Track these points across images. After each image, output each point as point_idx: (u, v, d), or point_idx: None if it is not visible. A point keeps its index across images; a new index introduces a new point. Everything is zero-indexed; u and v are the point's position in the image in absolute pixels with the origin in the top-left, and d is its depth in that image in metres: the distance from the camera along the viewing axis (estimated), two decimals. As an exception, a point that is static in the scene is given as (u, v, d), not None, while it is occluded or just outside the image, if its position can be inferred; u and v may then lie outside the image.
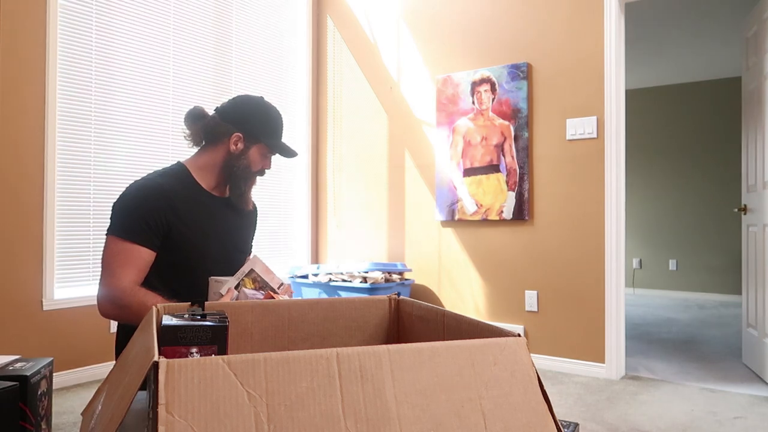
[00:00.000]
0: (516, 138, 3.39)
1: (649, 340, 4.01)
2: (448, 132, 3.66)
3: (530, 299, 3.34)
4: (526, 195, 3.34)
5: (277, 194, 4.11)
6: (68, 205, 2.94)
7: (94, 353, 3.02)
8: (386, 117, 4.00)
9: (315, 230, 4.33)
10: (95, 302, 2.98)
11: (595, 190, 3.15)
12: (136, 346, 0.79)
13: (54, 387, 2.86)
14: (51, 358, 1.10)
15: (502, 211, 3.42)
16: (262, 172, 1.62)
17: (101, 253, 1.42)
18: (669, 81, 6.44)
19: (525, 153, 3.36)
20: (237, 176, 1.55)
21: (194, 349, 0.88)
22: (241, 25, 3.84)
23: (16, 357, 1.09)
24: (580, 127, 3.19)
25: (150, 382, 0.61)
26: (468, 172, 3.57)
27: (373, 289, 3.45)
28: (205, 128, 1.55)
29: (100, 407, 0.80)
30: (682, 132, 6.47)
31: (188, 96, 3.50)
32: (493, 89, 3.48)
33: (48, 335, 2.83)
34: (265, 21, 4.01)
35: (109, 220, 1.44)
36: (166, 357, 0.84)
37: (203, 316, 0.93)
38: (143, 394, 0.96)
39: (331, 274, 3.66)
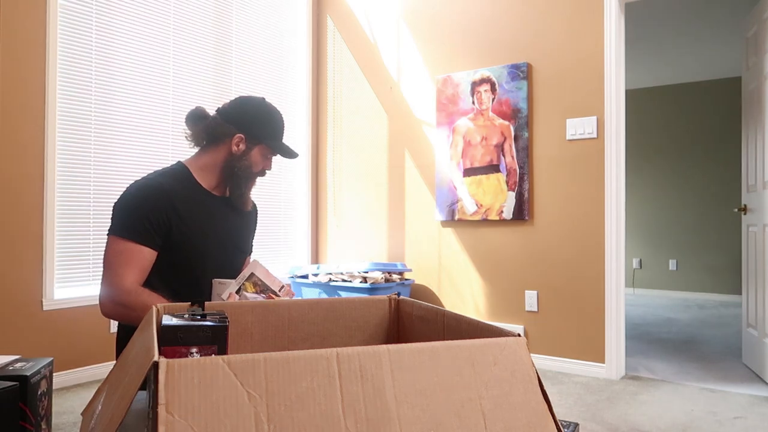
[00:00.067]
0: (516, 138, 3.39)
1: (649, 340, 4.01)
2: (448, 132, 3.66)
3: (530, 299, 3.34)
4: (526, 195, 3.34)
5: (277, 194, 4.11)
6: (68, 205, 2.94)
7: (94, 353, 3.02)
8: (386, 117, 4.00)
9: (315, 230, 4.33)
10: (95, 302, 2.98)
11: (595, 190, 3.15)
12: (136, 346, 0.79)
13: (54, 387, 2.86)
14: (51, 358, 1.10)
15: (502, 211, 3.42)
16: (262, 173, 1.62)
17: (101, 253, 1.43)
18: (669, 81, 6.44)
19: (525, 153, 3.36)
20: (238, 177, 1.56)
21: (194, 349, 0.88)
22: (241, 25, 3.84)
23: (16, 357, 1.09)
24: (580, 127, 3.19)
25: (150, 382, 0.61)
26: (468, 172, 3.57)
27: (373, 289, 3.45)
28: (207, 129, 1.55)
29: (100, 407, 0.80)
30: (682, 132, 6.47)
31: (188, 96, 3.50)
32: (493, 89, 3.48)
33: (48, 335, 2.83)
34: (265, 21, 4.01)
35: (109, 221, 1.44)
36: (166, 357, 0.84)
37: (203, 316, 0.93)
38: (143, 394, 0.96)
39: (331, 274, 3.66)
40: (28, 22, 2.76)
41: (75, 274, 2.96)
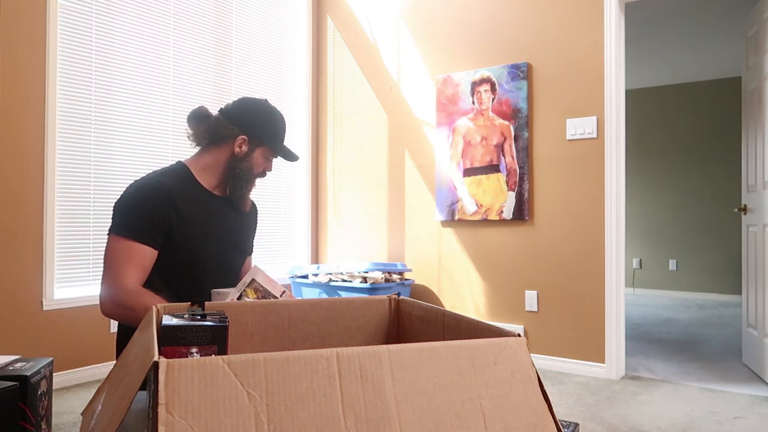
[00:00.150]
0: (516, 138, 3.39)
1: (649, 340, 4.01)
2: (448, 132, 3.66)
3: (530, 299, 3.34)
4: (526, 195, 3.34)
5: (277, 194, 4.11)
6: (68, 205, 2.94)
7: (94, 353, 3.02)
8: (386, 117, 4.00)
9: (315, 230, 4.33)
10: (95, 302, 2.98)
11: (595, 190, 3.15)
12: (136, 346, 0.79)
13: (54, 387, 2.86)
14: (51, 358, 1.10)
15: (502, 211, 3.42)
16: (263, 174, 1.63)
17: (101, 253, 1.43)
18: (669, 81, 6.44)
19: (525, 153, 3.36)
20: (239, 178, 1.56)
21: (194, 349, 0.88)
22: (241, 25, 3.84)
23: (16, 357, 1.09)
24: (580, 127, 3.19)
25: (150, 382, 0.61)
26: (468, 172, 3.57)
27: (373, 289, 3.45)
28: (210, 129, 1.55)
29: (100, 407, 0.80)
30: (682, 132, 6.47)
31: (188, 96, 3.50)
32: (493, 89, 3.48)
33: (48, 335, 2.83)
34: (265, 21, 4.01)
35: (109, 220, 1.44)
36: (166, 357, 0.84)
37: (203, 316, 0.93)
38: (143, 394, 0.97)
39: (331, 274, 3.66)
40: (28, 22, 2.76)
41: (75, 274, 2.96)
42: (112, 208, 1.45)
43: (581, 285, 3.17)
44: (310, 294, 3.76)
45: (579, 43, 3.22)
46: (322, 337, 1.11)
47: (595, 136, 3.14)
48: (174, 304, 1.02)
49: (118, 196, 1.46)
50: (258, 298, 1.39)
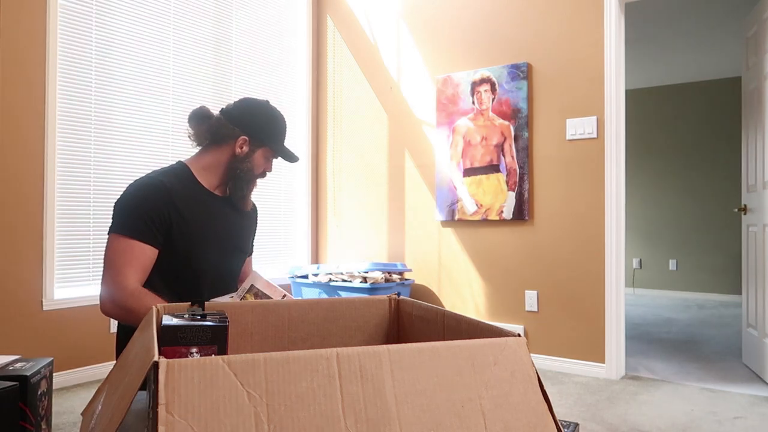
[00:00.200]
0: (516, 138, 3.39)
1: (649, 340, 4.01)
2: (448, 132, 3.66)
3: (530, 299, 3.34)
4: (526, 195, 3.34)
5: (277, 194, 4.11)
6: (68, 205, 2.94)
7: (94, 353, 3.02)
8: (386, 117, 4.00)
9: (315, 230, 4.33)
10: (95, 302, 2.98)
11: (595, 190, 3.15)
12: (136, 346, 0.79)
13: (54, 387, 2.86)
14: (51, 358, 1.10)
15: (502, 211, 3.42)
16: (263, 175, 1.63)
17: (101, 253, 1.43)
18: (669, 81, 6.44)
19: (525, 153, 3.36)
20: (240, 178, 1.56)
21: (194, 349, 0.88)
22: (241, 25, 3.84)
23: (16, 357, 1.09)
24: (580, 127, 3.19)
25: (150, 382, 0.61)
26: (468, 172, 3.57)
27: (373, 289, 3.45)
28: (211, 129, 1.55)
29: (100, 407, 0.80)
30: (682, 132, 6.47)
31: (188, 96, 3.50)
32: (493, 89, 3.48)
33: (48, 335, 2.83)
34: (265, 21, 4.01)
35: (109, 220, 1.44)
36: (166, 357, 0.84)
37: (203, 316, 0.93)
38: (143, 394, 0.96)
39: (331, 274, 3.66)
40: (28, 22, 2.76)
41: (75, 274, 2.96)
42: (112, 208, 1.45)
43: (581, 285, 3.17)
44: (310, 294, 3.76)
45: (579, 43, 3.22)
46: (322, 337, 1.11)
47: (595, 136, 3.15)
48: (174, 304, 1.02)
49: (119, 196, 1.46)
50: None
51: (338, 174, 4.24)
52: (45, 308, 2.81)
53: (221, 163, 1.55)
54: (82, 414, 0.94)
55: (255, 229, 1.76)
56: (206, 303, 1.04)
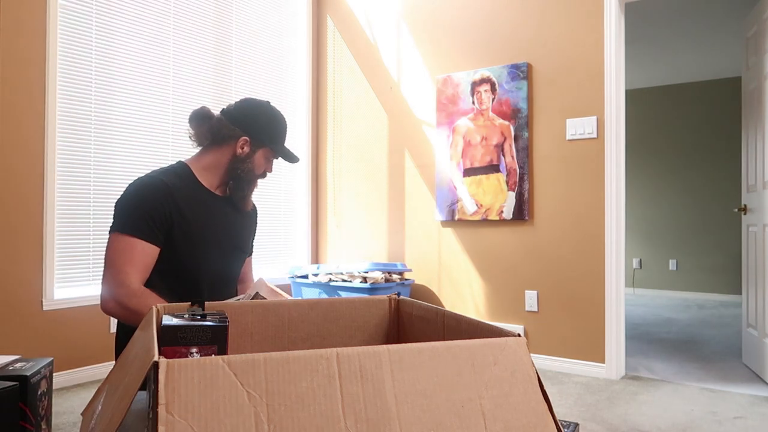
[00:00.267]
0: (516, 138, 3.39)
1: (649, 340, 4.01)
2: (448, 132, 3.66)
3: (530, 299, 3.34)
4: (526, 195, 3.34)
5: (277, 194, 4.11)
6: (68, 205, 2.94)
7: (94, 353, 3.02)
8: (386, 117, 4.00)
9: (315, 230, 4.33)
10: (95, 302, 2.98)
11: (595, 190, 3.15)
12: (136, 346, 0.79)
13: (54, 387, 2.86)
14: (51, 358, 1.10)
15: (502, 211, 3.42)
16: (264, 175, 1.64)
17: (102, 252, 1.43)
18: (669, 81, 6.44)
19: (525, 153, 3.36)
20: (241, 179, 1.57)
21: (194, 349, 0.88)
22: (241, 25, 3.84)
23: (16, 357, 1.09)
24: (580, 127, 3.19)
25: (150, 382, 0.61)
26: (468, 172, 3.57)
27: (373, 289, 3.45)
28: (212, 129, 1.56)
29: (100, 407, 0.80)
30: (682, 132, 6.47)
31: (188, 96, 3.50)
32: (493, 89, 3.48)
33: (48, 335, 2.83)
34: (265, 21, 4.01)
35: (110, 220, 1.44)
36: (166, 357, 0.84)
37: (203, 316, 0.93)
38: (143, 394, 0.96)
39: (331, 274, 3.66)
40: (28, 22, 2.76)
41: (75, 274, 2.96)
42: (112, 208, 1.45)
43: (581, 285, 3.17)
44: (310, 294, 3.76)
45: (579, 43, 3.22)
46: (322, 337, 1.11)
47: (595, 136, 3.15)
48: (174, 304, 1.02)
49: (119, 196, 1.46)
50: None
51: (338, 174, 4.24)
52: (45, 308, 2.81)
53: (222, 164, 1.56)
54: (82, 414, 0.94)
55: (255, 230, 1.76)
56: (206, 303, 1.04)
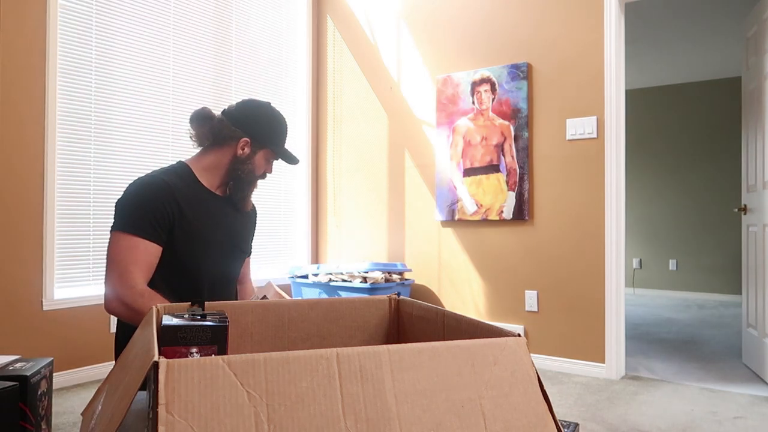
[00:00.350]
0: (516, 138, 3.39)
1: (649, 340, 4.01)
2: (448, 132, 3.66)
3: (530, 299, 3.34)
4: (526, 195, 3.34)
5: (277, 194, 4.11)
6: (68, 205, 2.94)
7: (94, 353, 3.02)
8: (386, 117, 4.00)
9: (315, 230, 4.33)
10: (95, 302, 2.98)
11: (595, 190, 3.15)
12: (136, 346, 0.79)
13: (54, 387, 2.86)
14: (51, 358, 1.10)
15: (502, 211, 3.42)
16: (264, 176, 1.64)
17: (102, 253, 1.43)
18: (669, 81, 6.44)
19: (525, 153, 3.36)
20: (241, 179, 1.57)
21: (194, 349, 0.88)
22: (241, 25, 3.84)
23: (16, 357, 1.09)
24: (580, 127, 3.19)
25: (150, 382, 0.61)
26: (468, 172, 3.57)
27: (373, 289, 3.45)
28: (213, 130, 1.56)
29: (100, 407, 0.80)
30: (681, 132, 6.47)
31: (188, 96, 3.50)
32: (493, 89, 3.48)
33: (48, 335, 2.83)
34: (265, 21, 4.01)
35: (110, 220, 1.44)
36: (166, 357, 0.84)
37: (203, 316, 0.93)
38: (143, 394, 0.96)
39: (331, 274, 3.66)
40: (28, 23, 2.76)
41: (75, 274, 2.96)
42: (113, 208, 1.45)
43: (581, 285, 3.17)
44: (310, 294, 3.76)
45: (579, 43, 3.22)
46: (322, 337, 1.11)
47: (595, 136, 3.15)
48: (174, 304, 1.02)
49: (119, 195, 1.46)
50: None
51: (338, 174, 4.24)
52: (45, 308, 2.81)
53: (222, 164, 1.56)
54: (82, 414, 0.94)
55: (254, 229, 1.76)
56: (206, 303, 1.04)
